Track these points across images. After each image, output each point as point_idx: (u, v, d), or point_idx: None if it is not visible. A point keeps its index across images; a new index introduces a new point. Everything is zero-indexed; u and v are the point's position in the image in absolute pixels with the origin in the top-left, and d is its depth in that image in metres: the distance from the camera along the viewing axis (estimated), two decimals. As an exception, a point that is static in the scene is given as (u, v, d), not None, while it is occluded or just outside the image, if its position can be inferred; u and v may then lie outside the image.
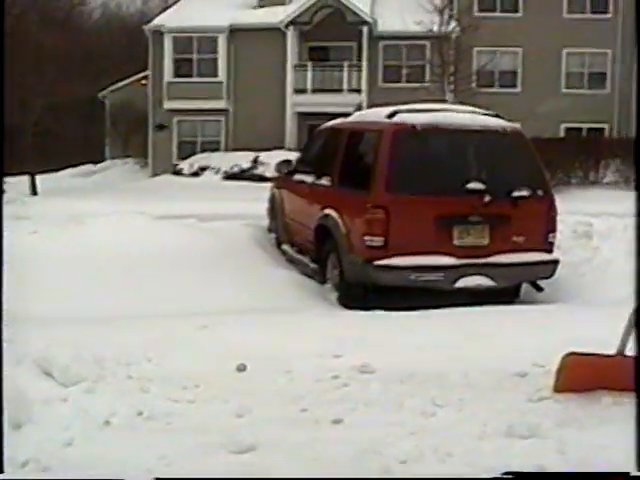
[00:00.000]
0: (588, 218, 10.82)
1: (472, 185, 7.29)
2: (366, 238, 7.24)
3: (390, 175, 7.23)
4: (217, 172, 27.76)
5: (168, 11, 31.44)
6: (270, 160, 27.61)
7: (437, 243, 7.29)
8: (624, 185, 24.25)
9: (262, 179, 26.77)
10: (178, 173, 28.33)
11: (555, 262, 7.70)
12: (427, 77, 28.44)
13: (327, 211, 8.06)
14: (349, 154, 8.22)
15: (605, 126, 30.82)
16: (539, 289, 7.92)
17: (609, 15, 30.55)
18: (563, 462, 2.95)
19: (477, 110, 8.16)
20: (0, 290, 3.23)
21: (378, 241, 7.20)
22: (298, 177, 9.68)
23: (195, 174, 27.96)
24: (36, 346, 3.96)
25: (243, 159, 27.83)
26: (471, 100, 17.98)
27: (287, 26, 29.02)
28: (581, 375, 3.84)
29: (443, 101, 20.60)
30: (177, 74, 29.60)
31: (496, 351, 4.99)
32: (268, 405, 3.71)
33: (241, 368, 4.52)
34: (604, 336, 4.95)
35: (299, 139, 30.10)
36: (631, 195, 23.14)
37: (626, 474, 2.67)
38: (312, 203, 8.78)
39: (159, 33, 29.48)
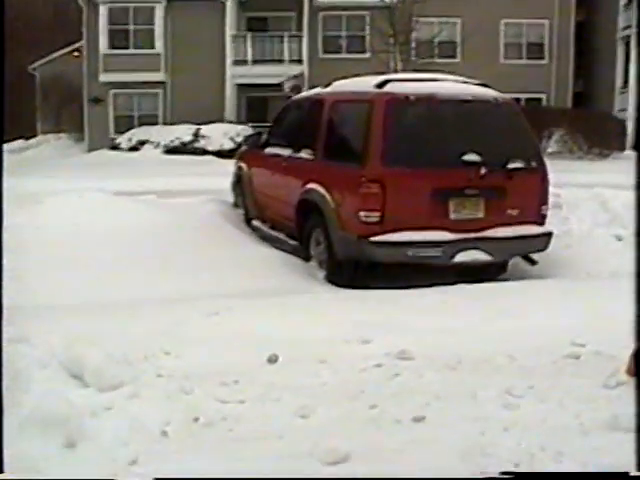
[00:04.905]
0: (554, 189, 10.73)
1: (468, 157, 7.03)
2: (361, 214, 6.91)
3: (385, 147, 6.91)
4: (157, 146, 27.02)
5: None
6: (211, 133, 27.07)
7: (433, 217, 7.02)
8: (568, 155, 24.52)
9: (205, 152, 26.24)
10: (116, 147, 27.48)
11: (549, 235, 7.53)
12: (367, 47, 28.23)
13: (311, 185, 7.70)
14: (334, 126, 7.85)
15: (543, 96, 31.12)
16: (533, 262, 7.75)
17: (547, -14, 30.75)
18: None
19: (465, 80, 7.90)
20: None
21: (374, 216, 6.89)
22: (271, 150, 9.28)
23: (134, 148, 27.16)
24: (56, 344, 3.53)
25: (183, 132, 27.18)
26: (421, 70, 17.79)
27: (226, -4, 28.32)
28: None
29: (395, 71, 20.34)
30: (113, 45, 28.61)
31: (527, 330, 4.77)
32: (328, 402, 3.37)
33: (273, 359, 4.17)
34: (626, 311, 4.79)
35: (238, 111, 29.58)
36: (579, 165, 23.37)
37: (625, 474, 2.56)
38: (291, 177, 8.41)
39: (93, 3, 28.40)
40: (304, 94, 9.27)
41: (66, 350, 3.39)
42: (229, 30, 28.55)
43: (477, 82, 7.88)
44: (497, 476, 2.44)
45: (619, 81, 30.45)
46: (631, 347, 3.85)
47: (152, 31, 28.80)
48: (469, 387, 3.55)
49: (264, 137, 9.87)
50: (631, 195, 10.06)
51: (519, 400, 3.37)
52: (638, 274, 3.30)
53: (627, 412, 3.09)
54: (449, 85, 7.54)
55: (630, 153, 26.65)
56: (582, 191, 10.32)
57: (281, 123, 9.64)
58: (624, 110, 29.28)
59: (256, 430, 3.06)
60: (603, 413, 3.11)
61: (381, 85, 7.25)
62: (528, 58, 31.38)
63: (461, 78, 7.95)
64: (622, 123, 28.02)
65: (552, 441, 2.87)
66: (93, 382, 3.25)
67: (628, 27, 29.63)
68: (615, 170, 20.23)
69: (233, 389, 3.59)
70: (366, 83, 7.60)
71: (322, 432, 3.01)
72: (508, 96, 7.72)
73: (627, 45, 29.95)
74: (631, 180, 13.03)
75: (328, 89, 8.52)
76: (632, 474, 2.63)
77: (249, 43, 28.54)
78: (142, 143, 27.24)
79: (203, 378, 3.69)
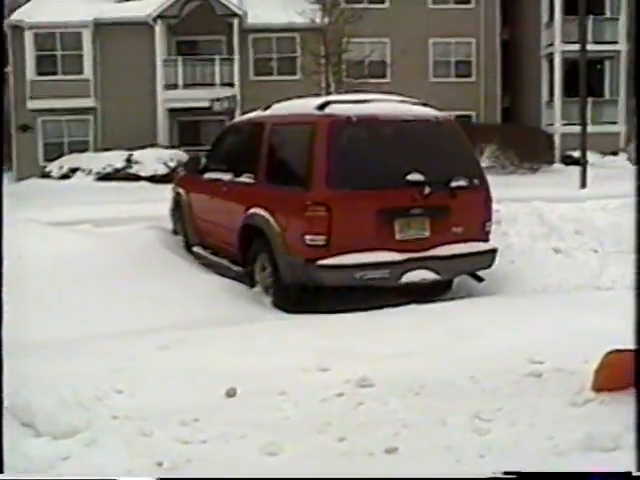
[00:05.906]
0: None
1: (412, 177, 7.02)
2: (307, 237, 6.83)
3: (329, 170, 6.85)
4: (89, 173, 26.43)
5: (27, 5, 29.55)
6: (144, 159, 26.65)
7: (379, 238, 6.98)
8: (501, 170, 24.92)
9: (138, 178, 25.82)
10: (46, 176, 26.77)
11: (494, 251, 7.57)
12: (299, 69, 28.31)
13: (255, 210, 7.58)
14: (276, 149, 7.77)
15: (472, 113, 31.60)
16: (480, 280, 7.76)
17: (472, 5, 31.34)
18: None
19: (406, 100, 7.91)
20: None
21: (320, 240, 6.80)
22: (210, 175, 9.13)
23: (65, 176, 26.50)
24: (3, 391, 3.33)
25: (115, 159, 26.63)
26: (354, 90, 17.87)
27: (155, 20, 28.03)
28: (621, 373, 3.60)
29: (327, 92, 20.41)
30: (40, 72, 27.96)
31: (484, 350, 4.74)
32: (295, 437, 3.25)
33: (231, 393, 4.04)
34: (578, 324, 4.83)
35: (171, 136, 29.28)
36: (512, 179, 23.67)
37: (628, 474, 2.57)
38: (233, 202, 8.27)
39: (19, 29, 27.80)
40: (244, 117, 9.15)
41: (14, 397, 3.20)
42: (159, 54, 28.27)
43: (417, 102, 7.90)
44: (497, 476, 2.46)
45: (545, 96, 31.16)
46: (591, 362, 3.84)
47: (80, 56, 28.26)
48: (436, 413, 3.48)
49: (202, 162, 9.71)
50: (567, 207, 10.26)
51: (489, 424, 3.31)
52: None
53: (601, 431, 3.05)
54: (390, 105, 7.53)
55: (559, 166, 27.26)
56: (519, 205, 10.41)
57: (220, 147, 9.51)
58: (551, 125, 29.96)
59: (224, 472, 2.93)
60: (576, 433, 3.07)
61: (322, 107, 7.20)
62: (457, 76, 31.88)
63: (402, 99, 7.96)
64: (550, 137, 28.65)
65: (529, 466, 2.81)
66: (46, 429, 3.07)
67: (550, 45, 30.39)
68: (546, 183, 20.73)
69: (194, 428, 3.44)
70: (307, 105, 7.54)
71: (293, 470, 2.90)
72: (448, 114, 7.76)
73: (550, 62, 30.68)
74: (564, 192, 13.23)
75: (268, 112, 8.43)
76: (634, 474, 2.64)
77: (180, 67, 28.27)
78: (73, 171, 26.64)
79: (161, 418, 3.53)
